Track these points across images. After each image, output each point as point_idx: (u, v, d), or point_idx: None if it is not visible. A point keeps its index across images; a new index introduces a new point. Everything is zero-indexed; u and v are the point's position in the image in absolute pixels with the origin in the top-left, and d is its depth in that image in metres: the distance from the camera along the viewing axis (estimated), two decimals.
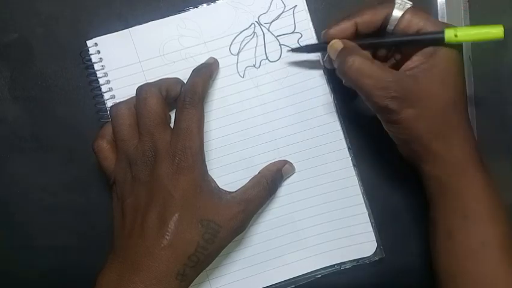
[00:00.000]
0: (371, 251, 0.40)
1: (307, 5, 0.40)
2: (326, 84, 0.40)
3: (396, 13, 0.34)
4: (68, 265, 0.42)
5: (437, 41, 0.33)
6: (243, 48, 0.40)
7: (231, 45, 0.40)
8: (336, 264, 0.40)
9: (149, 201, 0.34)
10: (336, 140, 0.40)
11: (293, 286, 0.41)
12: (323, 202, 0.40)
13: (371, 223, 0.40)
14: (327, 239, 0.40)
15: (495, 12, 0.38)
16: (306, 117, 0.40)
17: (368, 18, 0.35)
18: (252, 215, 0.37)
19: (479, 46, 0.40)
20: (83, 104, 0.41)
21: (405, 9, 0.34)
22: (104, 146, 0.37)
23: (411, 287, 0.42)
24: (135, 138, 0.35)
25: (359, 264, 0.40)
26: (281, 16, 0.40)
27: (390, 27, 0.35)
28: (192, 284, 0.34)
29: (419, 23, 0.34)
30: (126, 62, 0.40)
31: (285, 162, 0.40)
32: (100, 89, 0.40)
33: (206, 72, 0.38)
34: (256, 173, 0.39)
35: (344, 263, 0.40)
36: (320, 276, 0.40)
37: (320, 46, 0.39)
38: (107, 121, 0.37)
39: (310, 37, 0.40)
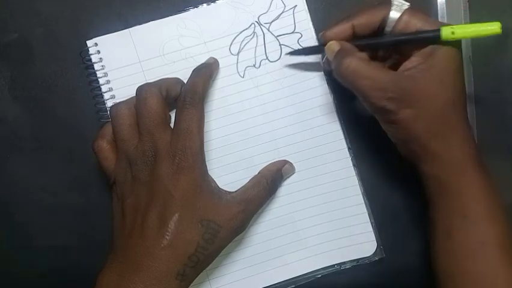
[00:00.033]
0: (371, 251, 0.40)
1: (307, 5, 0.40)
2: (326, 84, 0.40)
3: (394, 14, 0.34)
4: (68, 265, 0.42)
5: (434, 39, 0.33)
6: (243, 48, 0.40)
7: (231, 45, 0.40)
8: (336, 264, 0.40)
9: (149, 201, 0.34)
10: (336, 140, 0.40)
11: (293, 286, 0.41)
12: (323, 202, 0.40)
13: (371, 223, 0.40)
14: (327, 239, 0.40)
15: (495, 12, 0.38)
16: (306, 117, 0.40)
17: (365, 20, 0.35)
18: (252, 215, 0.37)
19: (479, 46, 0.40)
20: (83, 104, 0.41)
21: (402, 10, 0.34)
22: (104, 146, 0.37)
23: (411, 287, 0.42)
24: (135, 138, 0.35)
25: (359, 264, 0.40)
26: (281, 16, 0.40)
27: (388, 28, 0.35)
28: (192, 284, 0.34)
29: (417, 24, 0.34)
30: (126, 62, 0.40)
31: (285, 162, 0.40)
32: (100, 89, 0.40)
33: (206, 72, 0.38)
34: (256, 173, 0.39)
35: (344, 263, 0.40)
36: (319, 276, 0.40)
37: (318, 48, 0.39)
38: (107, 121, 0.37)
39: (310, 37, 0.40)
